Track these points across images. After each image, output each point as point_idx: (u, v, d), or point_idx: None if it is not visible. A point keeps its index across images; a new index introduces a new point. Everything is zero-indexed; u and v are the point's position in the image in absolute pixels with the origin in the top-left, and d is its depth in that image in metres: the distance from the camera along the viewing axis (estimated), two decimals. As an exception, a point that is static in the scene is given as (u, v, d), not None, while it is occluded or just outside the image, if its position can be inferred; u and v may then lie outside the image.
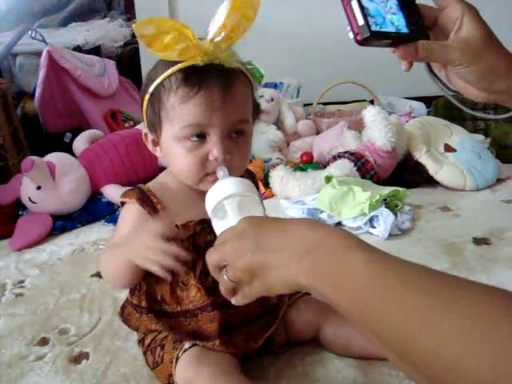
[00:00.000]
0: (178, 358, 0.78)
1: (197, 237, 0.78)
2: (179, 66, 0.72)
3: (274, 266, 0.56)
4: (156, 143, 0.81)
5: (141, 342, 0.86)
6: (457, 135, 1.93)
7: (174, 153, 0.76)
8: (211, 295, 0.78)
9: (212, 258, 0.64)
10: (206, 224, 0.77)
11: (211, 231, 0.71)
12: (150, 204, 0.77)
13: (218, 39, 0.71)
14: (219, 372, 0.75)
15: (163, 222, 0.71)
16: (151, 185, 0.81)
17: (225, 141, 0.73)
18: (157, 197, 0.78)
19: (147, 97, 0.77)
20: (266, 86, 2.37)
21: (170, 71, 0.73)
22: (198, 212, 0.75)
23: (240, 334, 0.82)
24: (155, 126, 0.78)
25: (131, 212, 0.78)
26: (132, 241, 0.72)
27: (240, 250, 0.59)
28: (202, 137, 0.73)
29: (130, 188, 0.81)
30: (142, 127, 0.82)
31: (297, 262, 0.54)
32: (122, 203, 0.80)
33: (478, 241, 1.34)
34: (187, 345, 0.79)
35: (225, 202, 0.68)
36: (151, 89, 0.75)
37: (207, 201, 0.70)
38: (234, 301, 0.63)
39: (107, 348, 0.95)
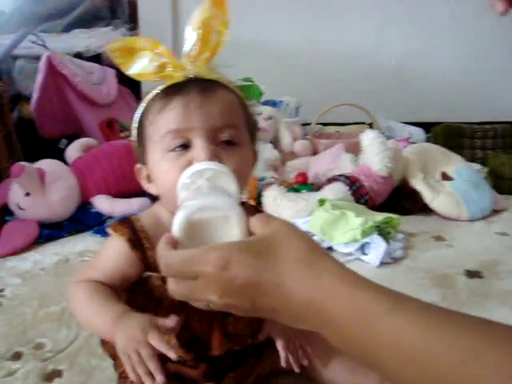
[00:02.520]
0: None
1: None
2: (160, 86, 0.69)
3: (280, 321, 0.55)
4: (149, 178, 0.74)
5: (115, 366, 0.82)
6: (454, 163, 1.92)
7: (159, 173, 0.69)
8: (192, 351, 0.73)
9: (188, 293, 0.56)
10: None
11: None
12: (140, 248, 0.70)
13: (193, 53, 0.69)
14: None
15: (163, 326, 0.62)
16: (145, 220, 0.73)
17: (211, 146, 0.65)
18: (149, 239, 0.71)
19: (134, 129, 0.73)
20: (265, 103, 2.36)
21: (151, 94, 0.70)
22: None
23: (227, 379, 0.77)
24: (144, 156, 0.72)
25: (118, 249, 0.71)
26: (124, 322, 0.63)
27: (231, 304, 0.54)
28: (185, 146, 0.66)
29: (121, 219, 0.74)
30: None
31: (301, 323, 0.53)
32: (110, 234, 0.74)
33: (471, 273, 1.32)
34: None
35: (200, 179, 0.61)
36: (136, 118, 0.72)
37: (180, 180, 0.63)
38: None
39: (82, 367, 0.92)
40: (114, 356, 0.80)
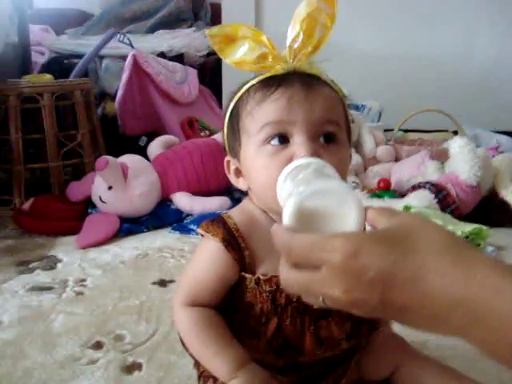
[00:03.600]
0: None
1: (278, 293, 0.67)
2: (259, 77, 0.67)
3: (410, 323, 0.47)
4: (239, 173, 0.71)
5: (196, 365, 0.80)
6: (548, 175, 1.80)
7: (255, 168, 0.65)
8: (281, 357, 0.69)
9: (305, 284, 0.49)
10: None
11: None
12: (236, 248, 0.66)
13: (296, 46, 0.66)
14: None
15: None
16: (237, 218, 0.69)
17: (312, 142, 0.61)
18: (244, 239, 0.67)
19: (226, 119, 0.71)
20: (348, 107, 2.31)
21: (248, 84, 0.67)
22: None
23: None
24: (235, 149, 0.70)
25: (213, 253, 0.67)
26: (243, 377, 0.63)
27: (357, 300, 0.46)
28: (284, 140, 0.63)
29: (212, 219, 0.70)
30: (219, 138, 0.76)
31: (439, 325, 0.45)
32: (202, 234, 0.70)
33: None
34: None
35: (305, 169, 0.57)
36: (230, 108, 0.70)
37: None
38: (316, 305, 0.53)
39: (161, 362, 0.91)
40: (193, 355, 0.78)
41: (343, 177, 0.66)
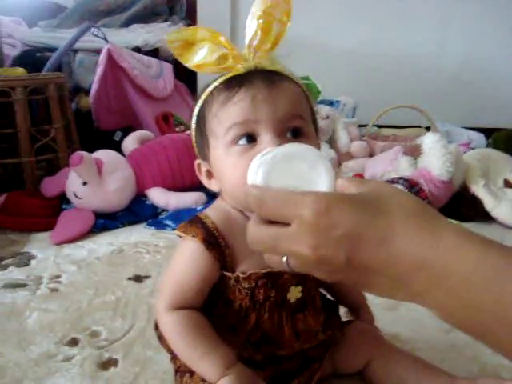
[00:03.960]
0: None
1: (256, 289, 0.69)
2: (221, 78, 0.67)
3: (373, 286, 0.48)
4: (210, 174, 0.72)
5: (172, 359, 0.80)
6: (518, 171, 1.84)
7: (225, 169, 0.66)
8: (259, 352, 0.70)
9: (273, 240, 0.49)
10: (270, 278, 0.68)
11: (273, 287, 0.67)
12: (216, 247, 0.67)
13: (254, 43, 0.67)
14: None
15: None
16: (215, 217, 0.69)
17: (279, 139, 0.62)
18: (224, 237, 0.67)
19: (194, 123, 0.71)
20: (322, 102, 2.33)
21: (212, 86, 0.68)
22: (260, 258, 0.56)
23: None
24: (205, 151, 0.70)
25: (192, 251, 0.68)
26: (230, 379, 0.63)
27: (325, 258, 0.46)
28: (251, 139, 0.64)
29: (190, 220, 0.70)
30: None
31: (400, 287, 0.46)
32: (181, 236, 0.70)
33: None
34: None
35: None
36: (196, 112, 0.70)
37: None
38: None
39: (137, 357, 0.91)
40: (171, 351, 0.79)
41: None
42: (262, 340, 0.69)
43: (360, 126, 2.45)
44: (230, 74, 0.67)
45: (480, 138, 2.54)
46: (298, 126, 0.65)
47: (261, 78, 0.65)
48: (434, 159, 1.70)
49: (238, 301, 0.69)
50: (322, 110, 2.14)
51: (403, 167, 1.83)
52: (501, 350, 0.44)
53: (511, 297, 0.41)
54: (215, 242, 0.67)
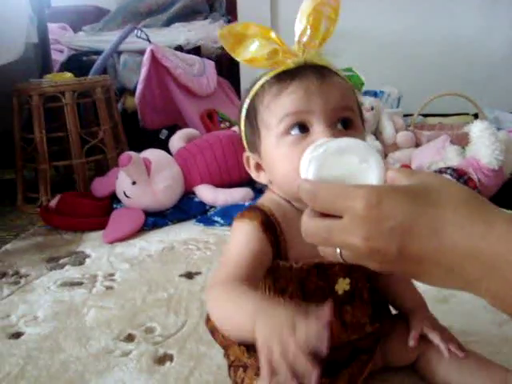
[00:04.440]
0: None
1: (306, 281, 0.69)
2: (271, 72, 0.69)
3: (424, 276, 0.48)
4: (259, 167, 0.73)
5: (226, 354, 0.81)
6: None
7: (276, 159, 0.67)
8: None
9: (326, 233, 0.49)
10: (320, 269, 0.69)
11: (323, 277, 0.68)
12: (272, 232, 0.67)
13: (304, 40, 0.68)
14: None
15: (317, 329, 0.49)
16: (269, 205, 0.70)
17: (331, 129, 0.64)
18: (279, 223, 0.68)
19: (243, 115, 0.72)
20: (366, 94, 2.30)
21: (262, 80, 0.69)
22: (312, 248, 0.55)
23: (342, 376, 0.74)
24: (255, 144, 0.71)
25: (249, 235, 0.67)
26: (266, 311, 0.53)
27: (377, 249, 0.46)
28: (304, 129, 0.65)
29: (247, 208, 0.71)
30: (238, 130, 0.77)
31: (454, 276, 0.46)
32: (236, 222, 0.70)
33: None
34: None
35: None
36: (246, 104, 0.72)
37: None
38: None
39: (191, 352, 0.93)
40: (224, 345, 0.80)
41: None
42: None
43: (405, 115, 2.41)
44: (281, 69, 0.68)
45: (531, 123, 2.46)
46: (349, 117, 0.67)
47: (311, 72, 0.67)
48: (483, 147, 1.65)
49: (290, 290, 0.69)
50: (367, 102, 2.12)
51: (451, 156, 1.79)
52: None
53: None
54: (272, 227, 0.68)
